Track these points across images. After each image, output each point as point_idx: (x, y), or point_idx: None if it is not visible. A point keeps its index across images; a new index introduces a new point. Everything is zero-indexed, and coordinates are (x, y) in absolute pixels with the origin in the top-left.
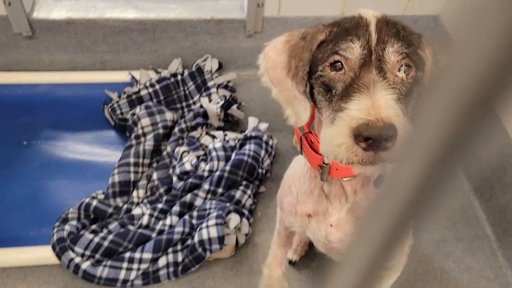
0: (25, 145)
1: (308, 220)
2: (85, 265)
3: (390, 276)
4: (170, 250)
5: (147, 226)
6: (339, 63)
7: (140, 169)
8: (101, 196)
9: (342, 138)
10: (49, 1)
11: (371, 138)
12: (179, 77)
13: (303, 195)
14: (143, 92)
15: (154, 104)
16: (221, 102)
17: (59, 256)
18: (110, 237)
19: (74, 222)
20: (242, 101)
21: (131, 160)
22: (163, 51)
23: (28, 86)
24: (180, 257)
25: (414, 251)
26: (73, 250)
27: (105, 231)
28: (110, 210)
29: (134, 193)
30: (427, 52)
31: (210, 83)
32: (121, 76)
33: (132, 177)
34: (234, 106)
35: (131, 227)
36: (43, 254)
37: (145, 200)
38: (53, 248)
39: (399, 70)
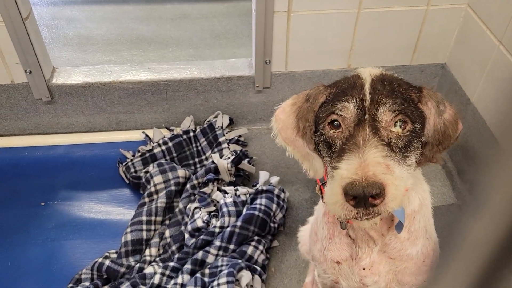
0: (43, 206)
1: (338, 267)
2: None
3: None
4: None
5: (158, 286)
6: (337, 122)
7: (153, 227)
8: (114, 256)
9: (335, 196)
10: (67, 67)
11: (356, 197)
12: (191, 134)
13: (325, 241)
14: (157, 150)
15: (166, 162)
16: (232, 157)
17: None
18: None
19: (87, 283)
20: (254, 155)
21: (144, 218)
22: (175, 110)
23: (47, 148)
24: None
25: None
26: None
27: None
28: (123, 269)
29: (147, 251)
30: (430, 105)
31: (221, 139)
32: (136, 135)
33: (144, 235)
34: (245, 161)
35: (142, 287)
36: None
37: (158, 259)
38: None
39: (394, 126)
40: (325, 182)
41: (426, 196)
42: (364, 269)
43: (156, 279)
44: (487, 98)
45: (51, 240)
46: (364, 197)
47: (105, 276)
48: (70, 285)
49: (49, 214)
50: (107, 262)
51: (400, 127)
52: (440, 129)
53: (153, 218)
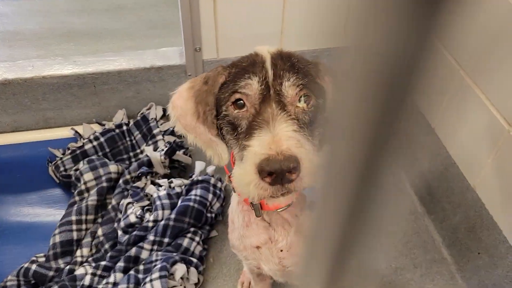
0: None
1: (259, 252)
2: None
3: None
4: None
5: (89, 287)
6: (241, 101)
7: (84, 226)
8: (42, 259)
9: (249, 176)
10: None
11: (274, 172)
12: (124, 128)
13: (242, 229)
14: (87, 146)
15: (97, 158)
16: (165, 149)
17: None
18: None
19: None
20: (191, 146)
21: (73, 218)
22: (106, 103)
23: None
24: None
25: (373, 280)
26: None
27: None
28: (51, 273)
29: (78, 252)
30: (326, 80)
31: (155, 131)
32: (65, 132)
33: (75, 235)
34: (180, 152)
35: None
36: None
37: (90, 259)
38: None
39: (299, 101)
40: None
41: None
42: (281, 251)
43: (87, 280)
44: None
45: None
46: (282, 172)
47: (32, 282)
48: None
49: None
50: (33, 266)
51: (305, 102)
52: None
53: (83, 217)
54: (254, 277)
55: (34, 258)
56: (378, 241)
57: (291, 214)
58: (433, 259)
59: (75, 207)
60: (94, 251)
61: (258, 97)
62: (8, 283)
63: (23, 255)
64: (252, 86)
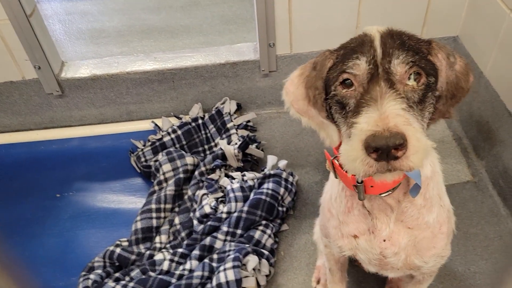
0: (58, 198)
1: (356, 242)
2: None
3: (426, 281)
4: None
5: (167, 272)
6: (349, 81)
7: (163, 215)
8: (125, 244)
9: (355, 152)
10: (76, 61)
11: (379, 149)
12: (200, 121)
13: (343, 215)
14: (166, 139)
15: (175, 150)
16: (239, 143)
17: None
18: (131, 284)
19: (99, 271)
20: (263, 140)
21: (153, 206)
22: (183, 98)
23: (62, 141)
24: None
25: (449, 285)
26: None
27: (127, 278)
28: (133, 257)
29: (157, 239)
30: (440, 57)
31: (229, 125)
32: (146, 125)
33: (154, 223)
34: (253, 146)
35: (152, 274)
36: None
37: (168, 245)
38: None
39: (409, 79)
40: (336, 157)
41: (436, 163)
42: (384, 240)
43: (165, 266)
44: (499, 70)
45: (67, 230)
46: (387, 148)
47: (116, 264)
48: (84, 273)
49: (64, 205)
50: (118, 250)
51: (415, 80)
52: (453, 81)
53: (162, 205)
54: (335, 273)
55: (118, 242)
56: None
57: (394, 199)
58: None
59: (154, 196)
60: (171, 238)
61: (366, 76)
62: (96, 264)
63: (107, 238)
64: (360, 66)
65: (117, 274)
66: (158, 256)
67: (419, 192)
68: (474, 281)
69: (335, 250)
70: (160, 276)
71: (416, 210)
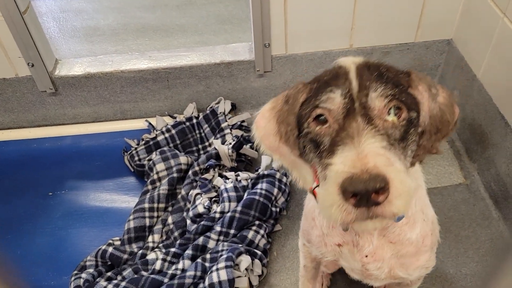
0: (51, 196)
1: (339, 249)
2: None
3: (414, 285)
4: None
5: (160, 271)
6: (323, 117)
7: (156, 214)
8: (117, 243)
9: (331, 197)
10: (70, 59)
11: (358, 193)
12: (194, 121)
13: (327, 229)
14: (160, 138)
15: (168, 149)
16: (233, 143)
17: None
18: (123, 284)
19: (91, 270)
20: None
21: (146, 205)
22: (178, 97)
23: (55, 139)
24: None
25: (440, 287)
26: None
27: (119, 278)
28: (125, 256)
29: (150, 238)
30: (421, 89)
31: (223, 125)
32: (140, 124)
33: (147, 222)
34: (247, 146)
35: (144, 273)
36: None
37: (160, 245)
38: None
39: (388, 114)
40: (318, 185)
41: (419, 176)
42: (366, 256)
43: (158, 265)
44: (492, 73)
45: (59, 229)
46: (367, 193)
47: (108, 263)
48: (75, 272)
49: (57, 204)
50: (110, 249)
51: (395, 114)
52: (436, 114)
53: (155, 205)
54: (309, 270)
55: (111, 241)
56: (447, 245)
57: None
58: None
59: (148, 195)
60: (164, 237)
61: (341, 111)
62: (88, 263)
63: (99, 237)
64: (334, 100)
65: (109, 273)
66: (151, 256)
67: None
68: (465, 283)
69: (315, 253)
70: (152, 276)
71: (398, 228)
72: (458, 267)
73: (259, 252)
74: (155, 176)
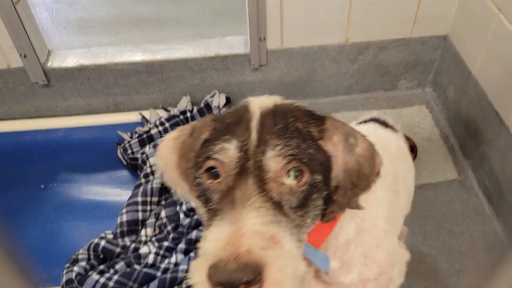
0: (43, 189)
1: None
2: None
3: None
4: None
5: (153, 265)
6: (215, 170)
7: (149, 208)
8: (110, 236)
9: (198, 276)
10: (62, 50)
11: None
12: (188, 114)
13: None
14: (153, 131)
15: None
16: None
17: None
18: (116, 277)
19: (83, 263)
20: None
21: (139, 199)
22: (172, 90)
23: (47, 131)
24: None
25: (433, 282)
26: None
27: (111, 271)
28: (118, 249)
29: (142, 232)
30: (335, 140)
31: None
32: (133, 117)
33: (140, 215)
34: None
35: (136, 267)
36: None
37: (153, 239)
38: None
39: (287, 176)
40: None
41: (368, 217)
42: None
43: (151, 259)
44: (488, 70)
45: (51, 222)
46: (232, 286)
47: (101, 256)
48: (67, 265)
49: (48, 197)
50: (102, 242)
51: (295, 178)
52: (353, 168)
53: (148, 198)
54: None
55: (103, 235)
56: (440, 240)
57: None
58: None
59: (141, 189)
60: (157, 231)
61: (234, 167)
62: (80, 256)
63: (91, 230)
64: (228, 152)
65: (101, 267)
66: (144, 249)
67: (335, 254)
68: (458, 279)
69: None
70: (145, 269)
71: (331, 271)
72: (451, 262)
73: None
74: (149, 170)
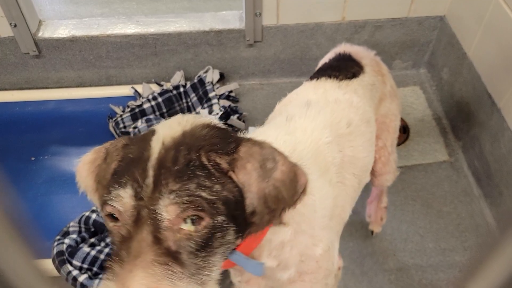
0: (33, 161)
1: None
2: (82, 278)
3: None
4: None
5: None
6: (114, 215)
7: None
8: None
9: None
10: (53, 20)
11: None
12: (181, 89)
13: None
14: (146, 106)
15: (154, 117)
16: (220, 113)
17: (58, 269)
18: (107, 250)
19: (74, 236)
20: (245, 111)
21: None
22: (165, 64)
23: (38, 103)
24: None
25: (419, 260)
26: (71, 264)
27: (102, 244)
28: None
29: None
30: (249, 168)
31: (211, 94)
32: (126, 90)
33: None
34: (234, 117)
35: None
36: (45, 267)
37: None
38: (53, 261)
39: (185, 222)
40: None
41: (307, 218)
42: (239, 281)
43: None
44: (483, 52)
45: (41, 195)
46: None
47: (92, 229)
48: (58, 237)
49: (39, 169)
50: (94, 215)
51: (193, 223)
52: (269, 194)
53: None
54: None
55: (94, 208)
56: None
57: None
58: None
59: None
60: None
61: (131, 215)
62: (71, 229)
63: (82, 204)
64: (123, 201)
65: (92, 240)
66: None
67: (271, 254)
68: (443, 257)
69: None
70: None
71: (270, 270)
72: (437, 241)
73: None
74: None
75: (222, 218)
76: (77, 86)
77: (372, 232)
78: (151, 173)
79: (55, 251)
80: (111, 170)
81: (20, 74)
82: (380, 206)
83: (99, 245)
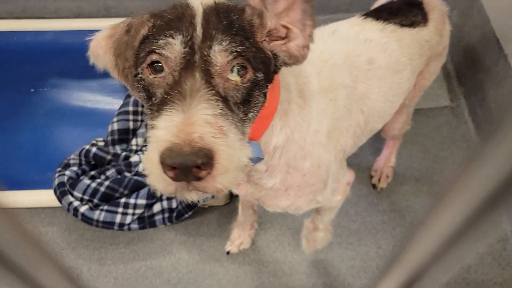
0: (33, 93)
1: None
2: (83, 208)
3: (327, 212)
4: (164, 196)
5: (143, 174)
6: (159, 64)
7: (140, 118)
8: (101, 143)
9: (151, 165)
10: None
11: (177, 167)
12: None
13: None
14: None
15: None
16: None
17: (59, 200)
18: (107, 183)
19: (75, 168)
20: None
21: (131, 108)
22: None
23: (35, 33)
24: (174, 204)
25: (412, 203)
26: (72, 195)
27: (102, 177)
28: (109, 157)
29: (133, 141)
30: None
31: None
32: None
33: (131, 125)
34: None
35: (127, 174)
36: (47, 197)
37: (144, 148)
38: (55, 192)
39: (232, 72)
40: None
41: (300, 128)
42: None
43: (141, 167)
44: None
45: (41, 127)
46: (186, 168)
47: (92, 162)
48: (59, 169)
49: (39, 101)
50: (94, 149)
51: (239, 74)
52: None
53: (139, 109)
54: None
55: (94, 142)
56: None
57: None
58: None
59: (132, 98)
60: (148, 141)
61: (179, 62)
62: (71, 161)
63: (82, 137)
64: (173, 47)
65: (92, 172)
66: (134, 158)
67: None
68: (436, 201)
69: None
70: (135, 177)
71: (258, 172)
72: (431, 185)
73: None
74: None
75: (261, 75)
76: (75, 17)
77: (374, 185)
78: (199, 25)
79: (56, 182)
80: (139, 37)
81: (16, 3)
82: (388, 164)
83: (99, 178)
